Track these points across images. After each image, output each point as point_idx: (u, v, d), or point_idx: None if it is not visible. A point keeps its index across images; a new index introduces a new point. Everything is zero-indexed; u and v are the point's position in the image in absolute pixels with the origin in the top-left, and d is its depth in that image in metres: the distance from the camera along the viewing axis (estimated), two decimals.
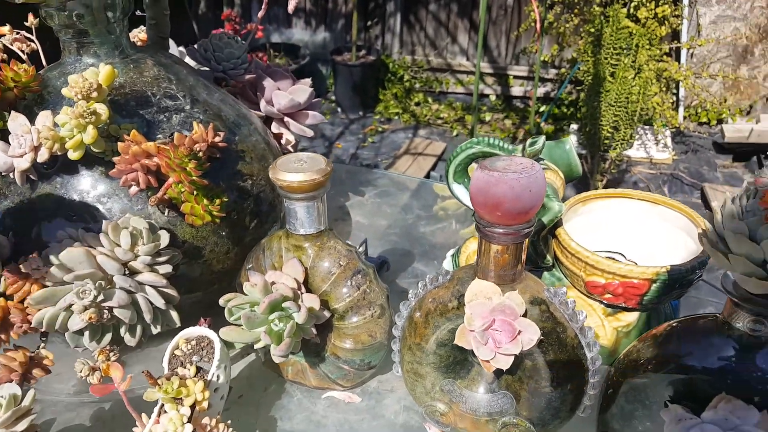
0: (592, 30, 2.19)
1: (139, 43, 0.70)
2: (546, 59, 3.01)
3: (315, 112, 0.73)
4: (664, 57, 2.36)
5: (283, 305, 0.47)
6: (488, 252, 0.44)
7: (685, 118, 2.93)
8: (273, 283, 0.49)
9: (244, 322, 0.47)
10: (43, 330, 0.45)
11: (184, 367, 0.46)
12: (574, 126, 2.83)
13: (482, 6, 1.90)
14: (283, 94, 0.69)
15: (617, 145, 2.28)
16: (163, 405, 0.44)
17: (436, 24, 3.19)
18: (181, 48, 0.74)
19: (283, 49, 3.15)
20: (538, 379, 0.47)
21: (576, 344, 0.47)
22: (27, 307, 0.46)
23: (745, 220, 0.35)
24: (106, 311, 0.45)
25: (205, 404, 0.43)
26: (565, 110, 3.02)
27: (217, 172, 0.55)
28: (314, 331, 0.50)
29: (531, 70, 3.13)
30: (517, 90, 3.21)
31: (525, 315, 0.44)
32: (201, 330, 0.49)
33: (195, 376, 0.45)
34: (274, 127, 0.72)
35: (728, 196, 0.38)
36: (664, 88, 2.66)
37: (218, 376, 0.46)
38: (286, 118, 0.72)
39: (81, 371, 0.46)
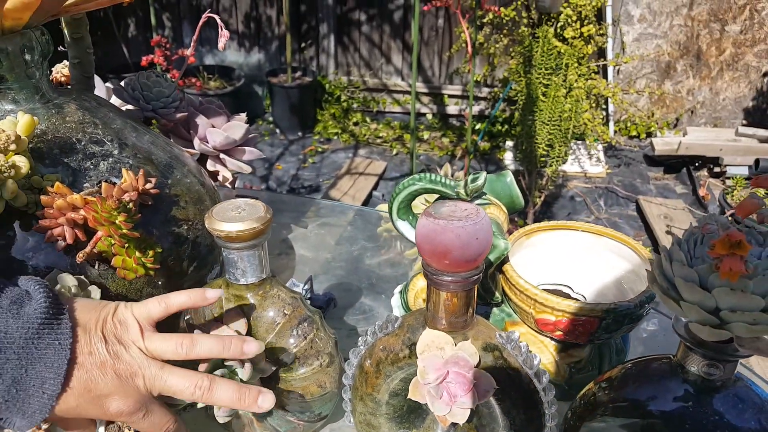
0: (522, 50, 2.26)
1: (63, 79, 0.66)
2: (478, 79, 3.09)
3: (252, 147, 0.71)
4: (593, 75, 2.47)
5: (226, 363, 0.45)
6: (438, 299, 0.44)
7: (615, 132, 3.08)
8: None
9: None
10: None
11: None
12: (509, 143, 2.92)
13: (414, 28, 1.93)
14: (218, 131, 0.67)
15: (553, 161, 2.36)
16: None
17: (369, 45, 3.22)
18: (108, 84, 0.70)
19: (216, 71, 3.09)
20: (494, 427, 0.47)
21: (532, 389, 0.46)
22: None
23: (695, 267, 0.35)
24: None
25: None
26: (500, 127, 3.10)
27: (149, 219, 0.52)
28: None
29: (465, 89, 3.21)
30: (452, 108, 3.28)
31: (479, 365, 0.43)
32: None
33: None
34: (210, 165, 0.70)
35: (674, 240, 0.38)
36: (594, 105, 2.79)
37: None
38: (222, 155, 0.69)
39: None
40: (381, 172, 2.74)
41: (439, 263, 0.41)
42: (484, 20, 2.77)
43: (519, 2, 2.57)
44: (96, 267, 0.49)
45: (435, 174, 0.63)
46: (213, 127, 0.68)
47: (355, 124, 3.21)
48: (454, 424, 0.47)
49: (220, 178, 0.71)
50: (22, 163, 0.44)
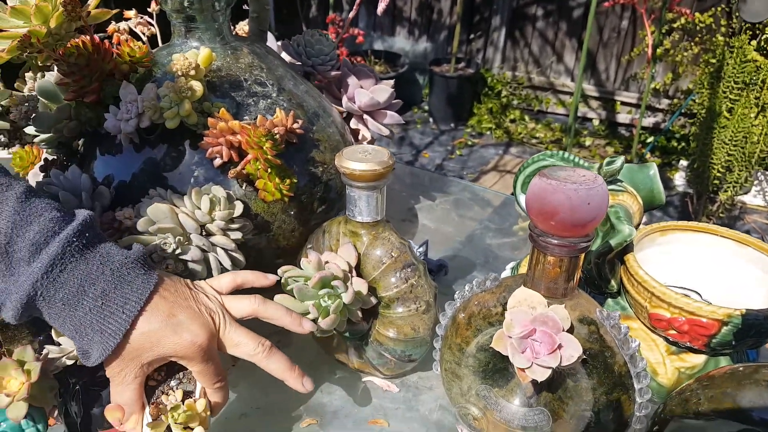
0: (713, 60, 2.05)
1: (242, 34, 0.76)
2: (658, 87, 2.86)
3: (393, 112, 0.75)
4: None
5: (333, 283, 0.49)
6: (540, 263, 0.44)
7: None
8: (327, 262, 0.51)
9: (296, 293, 0.49)
10: None
11: (167, 395, 0.45)
12: (683, 162, 2.67)
13: (589, 25, 1.85)
14: (365, 92, 0.72)
15: (729, 187, 2.12)
16: None
17: (542, 41, 3.14)
18: (279, 42, 0.78)
19: (383, 57, 3.23)
20: (579, 402, 0.46)
21: (624, 372, 0.45)
22: None
23: None
24: (181, 263, 0.49)
25: (206, 423, 0.44)
26: (675, 144, 2.85)
27: (292, 156, 0.58)
28: (360, 314, 0.52)
29: (641, 97, 2.99)
30: (623, 117, 3.08)
31: (571, 331, 0.43)
32: None
33: (182, 399, 0.44)
34: (353, 123, 0.75)
35: None
36: None
37: (203, 393, 0.46)
38: (365, 116, 0.74)
39: None
40: None
41: (545, 224, 0.42)
42: (675, 25, 2.55)
43: (719, 8, 2.33)
44: (242, 187, 0.56)
45: (569, 153, 0.62)
46: (361, 88, 0.73)
47: (512, 121, 3.16)
48: (537, 387, 0.48)
49: (360, 137, 0.76)
50: (198, 87, 0.52)
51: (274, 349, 0.47)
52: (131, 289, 0.42)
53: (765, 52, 2.06)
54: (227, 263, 0.52)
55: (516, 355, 0.41)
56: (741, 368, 0.40)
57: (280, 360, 0.47)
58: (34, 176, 0.67)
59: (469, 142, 3.00)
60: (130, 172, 0.57)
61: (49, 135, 0.61)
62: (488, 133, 3.09)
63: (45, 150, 0.66)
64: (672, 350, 0.54)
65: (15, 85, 0.84)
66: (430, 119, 3.18)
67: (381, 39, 3.45)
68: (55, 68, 0.59)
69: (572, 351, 0.41)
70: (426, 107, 3.25)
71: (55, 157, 0.64)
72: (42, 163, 0.65)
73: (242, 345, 0.46)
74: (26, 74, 0.76)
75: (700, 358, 0.53)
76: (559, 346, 0.41)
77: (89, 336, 0.41)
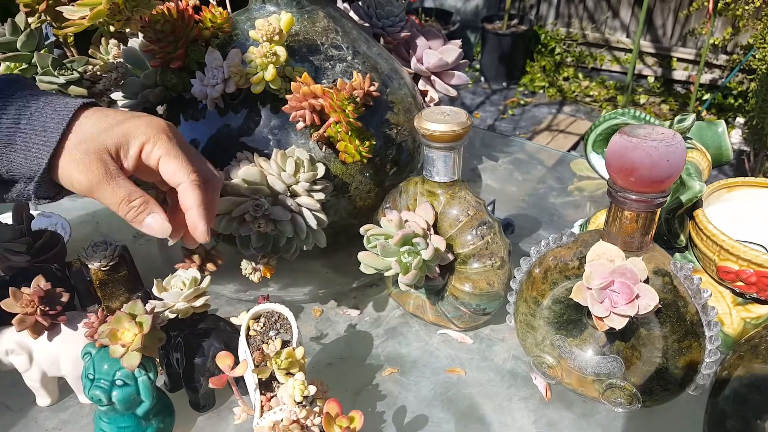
0: None
1: None
2: (717, 43, 2.73)
3: (460, 72, 0.76)
4: None
5: (413, 241, 0.52)
6: (618, 218, 0.46)
7: None
8: (406, 221, 0.54)
9: (379, 250, 0.53)
10: (219, 232, 0.55)
11: (267, 344, 0.46)
12: (740, 120, 2.57)
13: None
14: (433, 53, 0.73)
15: None
16: (260, 384, 0.45)
17: None
18: (346, 4, 0.80)
19: (434, 14, 3.18)
20: (651, 349, 0.48)
21: (696, 321, 0.47)
22: None
23: None
24: (271, 223, 0.53)
25: (304, 369, 0.46)
26: (732, 101, 2.74)
27: (368, 118, 0.61)
28: (437, 270, 0.55)
29: (698, 53, 2.86)
30: (679, 74, 2.97)
31: (647, 282, 0.45)
32: (264, 307, 0.49)
33: (282, 348, 0.46)
34: (421, 84, 0.77)
35: None
36: None
37: (300, 342, 0.48)
38: (432, 77, 0.76)
39: (246, 269, 0.54)
40: (583, 133, 2.62)
41: (625, 180, 0.43)
42: None
43: None
44: (322, 150, 0.59)
45: (640, 111, 0.62)
46: (430, 49, 0.74)
47: (565, 79, 3.08)
48: (611, 336, 0.50)
49: (427, 98, 0.78)
50: (281, 52, 0.55)
51: (198, 184, 0.44)
52: (72, 100, 0.42)
53: None
54: (313, 222, 0.55)
55: (595, 305, 0.44)
56: None
57: (197, 197, 0.44)
58: None
59: (522, 102, 2.95)
60: (215, 136, 0.61)
61: (135, 101, 0.65)
62: (541, 91, 3.03)
63: None
64: (738, 301, 0.55)
65: (89, 51, 0.88)
66: (482, 78, 3.14)
67: None
68: (140, 35, 0.62)
69: (649, 300, 0.43)
70: (477, 66, 3.20)
71: None
72: None
73: (175, 162, 0.43)
74: (110, 41, 0.80)
75: (765, 309, 0.54)
76: (637, 296, 0.43)
77: (31, 139, 0.41)
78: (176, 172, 0.43)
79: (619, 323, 0.43)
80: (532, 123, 2.77)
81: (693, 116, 0.60)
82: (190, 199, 0.44)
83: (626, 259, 0.45)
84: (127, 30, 0.66)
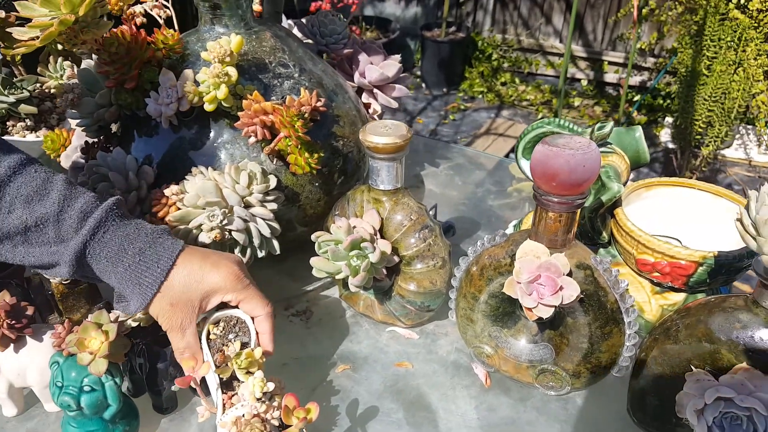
0: (696, 19, 2.11)
1: (255, 13, 0.80)
2: (644, 47, 2.91)
3: (401, 85, 0.81)
4: None
5: (361, 245, 0.56)
6: (543, 218, 0.51)
7: None
8: (354, 227, 0.58)
9: (330, 255, 0.57)
10: None
11: (227, 347, 0.49)
12: (669, 119, 2.74)
13: None
14: (375, 68, 0.78)
15: (710, 141, 2.20)
16: (221, 384, 0.48)
17: (530, 3, 3.16)
18: (290, 21, 0.84)
19: (374, 23, 3.23)
20: (577, 336, 0.54)
21: (615, 308, 0.53)
22: (167, 224, 0.58)
23: None
24: (227, 233, 0.56)
25: (263, 368, 0.49)
26: (661, 101, 2.92)
27: (316, 131, 0.64)
28: (384, 271, 0.59)
29: (627, 57, 3.04)
30: (611, 77, 3.14)
31: (570, 275, 0.51)
32: (223, 312, 0.51)
33: (241, 349, 0.49)
34: (364, 97, 0.81)
35: (766, 187, 0.42)
36: None
37: (258, 344, 0.51)
38: (375, 90, 0.80)
39: None
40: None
41: (547, 185, 0.49)
42: None
43: None
44: (274, 162, 0.63)
45: (563, 119, 0.68)
46: (371, 64, 0.79)
47: (503, 84, 3.20)
48: (542, 325, 0.56)
49: (370, 110, 0.82)
50: (233, 72, 0.58)
51: (271, 314, 0.52)
52: (164, 248, 0.48)
53: (744, 10, 2.12)
54: (266, 231, 0.59)
55: (524, 297, 0.49)
56: (712, 299, 0.48)
57: (270, 326, 0.51)
58: (66, 158, 0.72)
59: (462, 107, 3.05)
60: (170, 152, 0.64)
61: (90, 120, 0.66)
62: (480, 96, 3.13)
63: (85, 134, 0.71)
64: (656, 290, 0.62)
65: (38, 70, 0.89)
66: (423, 84, 3.21)
67: (371, 4, 3.44)
68: (93, 56, 0.64)
69: (571, 291, 0.49)
70: (418, 72, 3.27)
71: (96, 141, 0.70)
72: (81, 145, 0.71)
73: (255, 300, 0.50)
74: (59, 60, 0.81)
75: (680, 296, 0.61)
76: (561, 288, 0.49)
77: (129, 288, 0.47)
78: (254, 309, 0.51)
79: (546, 312, 0.49)
80: (473, 127, 2.86)
81: (611, 123, 0.66)
82: (265, 327, 0.51)
83: (551, 255, 0.50)
84: (77, 50, 0.67)
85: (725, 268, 0.56)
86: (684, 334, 0.48)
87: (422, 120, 2.94)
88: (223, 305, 0.51)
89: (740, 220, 0.43)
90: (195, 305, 0.49)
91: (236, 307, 0.51)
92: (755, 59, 2.02)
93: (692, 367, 0.48)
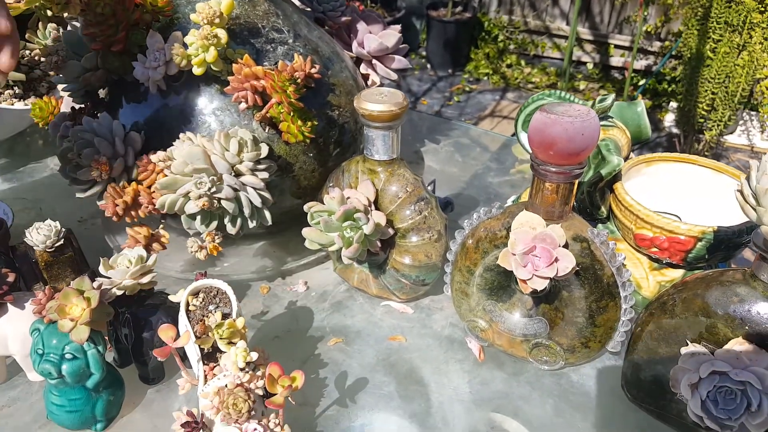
0: (703, 1, 2.07)
1: None
2: (650, 30, 2.86)
3: (400, 56, 0.79)
4: None
5: (355, 216, 0.55)
6: (540, 189, 0.50)
7: None
8: (348, 197, 0.56)
9: (322, 226, 0.55)
10: (164, 212, 0.56)
11: (207, 318, 0.48)
12: (673, 104, 2.71)
13: None
14: (374, 37, 0.76)
15: (713, 126, 2.18)
16: (203, 355, 0.47)
17: None
18: None
19: (380, 1, 3.19)
20: (573, 310, 0.53)
21: (612, 282, 0.51)
22: (153, 192, 0.56)
23: None
24: (215, 201, 0.54)
25: (245, 339, 0.47)
26: (666, 86, 2.88)
27: (310, 100, 0.63)
28: (378, 244, 0.58)
29: (633, 40, 2.99)
30: (616, 60, 3.09)
31: (566, 247, 0.49)
32: (202, 283, 0.50)
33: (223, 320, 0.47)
34: (363, 68, 0.79)
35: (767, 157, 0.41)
36: None
37: (240, 314, 0.49)
38: (374, 61, 0.78)
39: (192, 247, 0.56)
40: None
41: (545, 154, 0.47)
42: None
43: None
44: (266, 130, 0.61)
45: (564, 91, 0.67)
46: (370, 33, 0.77)
47: (509, 66, 3.16)
48: (536, 299, 0.54)
49: (369, 81, 0.81)
50: (222, 35, 0.56)
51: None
52: None
53: None
54: (257, 201, 0.57)
55: (519, 269, 0.48)
56: (710, 273, 0.47)
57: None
58: (55, 126, 0.70)
59: (467, 88, 3.01)
60: (158, 118, 0.62)
61: (76, 84, 0.64)
62: (485, 78, 3.09)
63: (72, 99, 0.70)
64: (654, 266, 0.61)
65: (26, 36, 0.87)
66: (428, 65, 3.18)
67: None
68: (79, 19, 0.62)
69: (567, 263, 0.47)
70: (423, 53, 3.23)
71: (83, 106, 0.68)
72: (68, 111, 0.69)
73: None
74: (48, 25, 0.79)
75: (678, 272, 0.60)
76: (556, 260, 0.47)
77: None
78: None
79: (541, 285, 0.48)
80: (477, 109, 2.83)
81: (612, 96, 0.64)
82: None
83: (547, 226, 0.49)
84: (66, 14, 0.65)
85: (724, 244, 0.54)
86: (680, 308, 0.47)
87: (426, 101, 2.91)
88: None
89: (740, 191, 0.42)
90: None
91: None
92: (761, 44, 1.99)
93: (688, 341, 0.46)
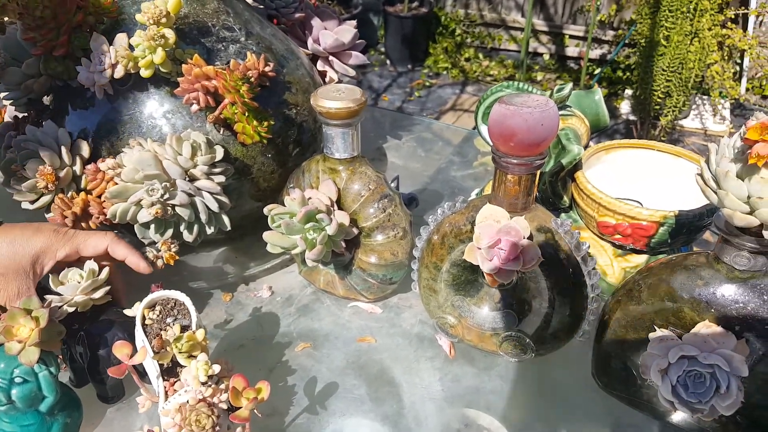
0: None
1: None
2: (603, 19, 2.92)
3: (358, 52, 0.78)
4: (729, 24, 2.26)
5: (317, 217, 0.54)
6: (503, 182, 0.49)
7: (747, 90, 2.80)
8: (309, 198, 0.55)
9: (284, 229, 0.54)
10: (115, 222, 0.53)
11: (165, 331, 0.46)
12: (628, 91, 2.77)
13: None
14: (329, 33, 0.74)
15: (668, 111, 2.23)
16: (162, 371, 0.45)
17: None
18: None
19: None
20: (540, 301, 0.53)
21: (577, 271, 0.51)
22: (104, 201, 0.54)
23: (735, 159, 0.38)
24: (169, 208, 0.52)
25: (206, 351, 0.46)
26: (621, 74, 2.94)
27: (266, 99, 0.61)
28: (343, 244, 0.57)
29: (587, 30, 3.05)
30: (572, 50, 3.14)
31: (531, 239, 0.49)
32: (159, 295, 0.48)
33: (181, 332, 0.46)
34: (320, 65, 0.78)
35: (726, 140, 0.41)
36: (726, 57, 2.55)
37: (200, 325, 0.48)
38: (330, 57, 0.77)
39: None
40: None
41: (505, 146, 0.47)
42: None
43: None
44: (221, 132, 0.59)
45: (522, 83, 0.66)
46: (325, 29, 0.75)
47: (467, 59, 3.18)
48: (503, 292, 0.54)
49: (326, 79, 0.79)
50: (170, 35, 0.54)
51: (118, 237, 0.53)
52: None
53: None
54: (214, 206, 0.55)
55: (485, 263, 0.47)
56: (674, 257, 0.47)
57: (125, 245, 0.53)
58: None
59: (427, 83, 3.02)
60: (106, 124, 0.59)
61: (18, 92, 0.61)
62: (444, 72, 3.10)
63: (15, 108, 0.66)
64: (618, 253, 0.61)
65: None
66: (387, 61, 3.17)
67: None
68: (18, 23, 0.59)
69: (532, 255, 0.47)
70: (382, 49, 3.22)
71: (26, 114, 0.65)
72: (11, 121, 0.66)
73: (92, 238, 0.52)
74: None
75: (642, 258, 0.60)
76: (521, 252, 0.47)
77: None
78: (97, 244, 0.52)
79: (507, 277, 0.47)
80: (438, 104, 2.84)
81: (570, 85, 0.65)
82: (123, 251, 0.53)
83: (511, 219, 0.48)
84: (6, 18, 0.62)
85: (686, 228, 0.55)
86: (646, 294, 0.47)
87: (388, 97, 2.90)
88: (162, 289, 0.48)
89: (701, 175, 0.42)
90: (27, 270, 0.49)
91: (103, 267, 0.51)
92: (709, 29, 2.05)
93: (655, 327, 0.47)
